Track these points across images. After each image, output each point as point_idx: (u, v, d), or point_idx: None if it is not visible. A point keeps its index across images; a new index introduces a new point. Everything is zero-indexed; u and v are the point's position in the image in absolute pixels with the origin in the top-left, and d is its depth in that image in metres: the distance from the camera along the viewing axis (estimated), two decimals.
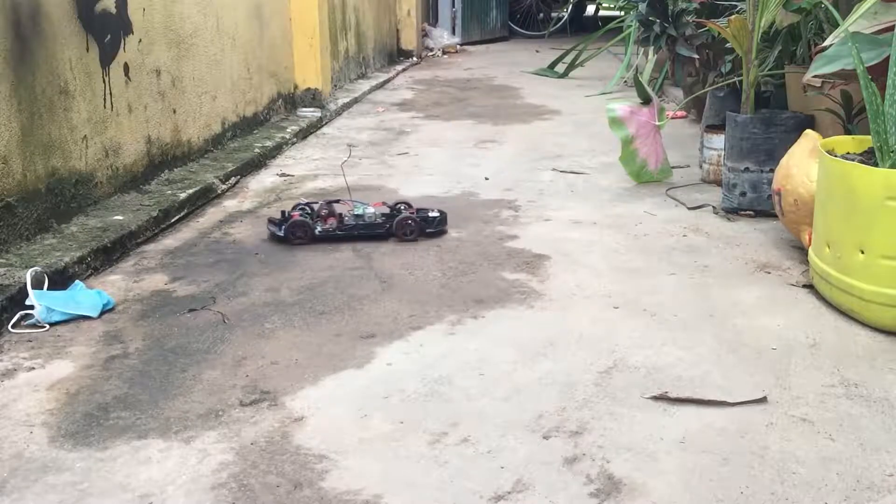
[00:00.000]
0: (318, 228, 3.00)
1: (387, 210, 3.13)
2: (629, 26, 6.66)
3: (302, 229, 2.98)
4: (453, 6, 10.06)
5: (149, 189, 3.47)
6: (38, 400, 1.92)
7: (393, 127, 5.34)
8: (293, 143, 4.76)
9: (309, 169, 4.20)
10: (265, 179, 4.00)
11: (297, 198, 3.65)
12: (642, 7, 4.04)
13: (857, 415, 1.82)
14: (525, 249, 2.93)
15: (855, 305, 2.26)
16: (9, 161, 2.68)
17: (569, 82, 7.24)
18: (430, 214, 3.10)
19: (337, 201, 3.19)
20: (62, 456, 1.70)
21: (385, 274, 2.71)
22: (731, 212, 3.28)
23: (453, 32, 10.03)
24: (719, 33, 3.45)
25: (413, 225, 3.01)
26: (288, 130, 4.84)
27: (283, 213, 3.12)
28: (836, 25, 2.89)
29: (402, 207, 3.13)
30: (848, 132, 2.91)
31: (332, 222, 3.03)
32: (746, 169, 3.22)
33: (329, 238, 2.99)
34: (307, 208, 3.11)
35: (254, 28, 4.75)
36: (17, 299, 2.34)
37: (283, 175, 4.07)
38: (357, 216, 3.05)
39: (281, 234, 2.98)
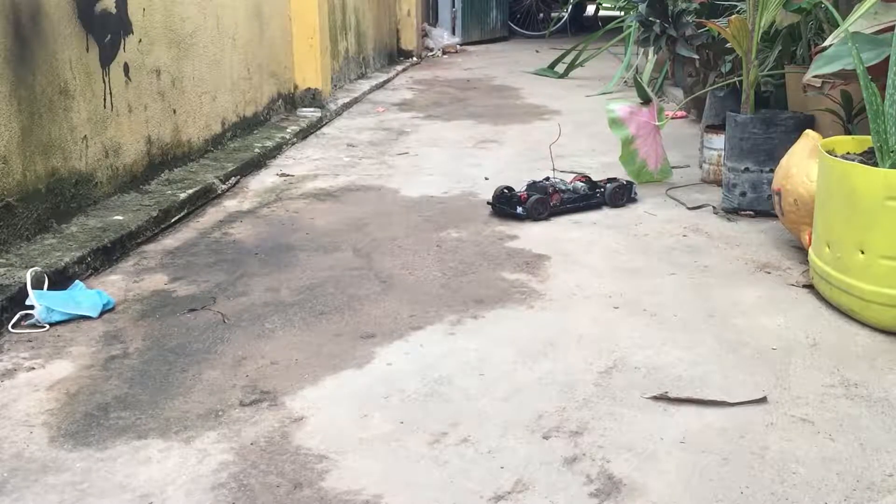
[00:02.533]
0: (551, 203, 3.33)
1: (583, 184, 3.49)
2: (629, 26, 6.66)
3: (543, 205, 3.29)
4: (453, 6, 10.06)
5: (149, 189, 3.47)
6: (38, 400, 1.92)
7: (393, 127, 5.34)
8: (293, 143, 4.76)
9: (309, 169, 4.20)
10: (265, 179, 4.00)
11: (297, 198, 3.65)
12: (642, 7, 4.04)
13: (857, 415, 1.82)
14: (525, 249, 2.93)
15: (855, 305, 2.26)
16: (9, 161, 2.68)
17: (569, 82, 7.24)
18: (625, 182, 3.50)
19: (546, 179, 3.50)
20: (62, 456, 1.70)
21: (385, 274, 2.71)
22: (732, 212, 3.28)
23: (453, 32, 10.03)
24: (719, 33, 3.45)
25: (623, 192, 3.44)
26: (288, 130, 4.84)
27: (502, 194, 3.35)
28: (836, 25, 2.89)
29: (586, 180, 3.52)
30: (848, 132, 2.91)
31: (557, 198, 3.34)
32: (746, 169, 3.22)
33: (560, 212, 3.33)
34: (506, 191, 3.36)
35: (254, 28, 4.75)
36: (18, 299, 2.34)
37: (283, 175, 4.07)
38: (572, 191, 3.41)
39: (522, 213, 3.26)
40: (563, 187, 3.41)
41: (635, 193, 3.50)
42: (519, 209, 3.27)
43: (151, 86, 3.59)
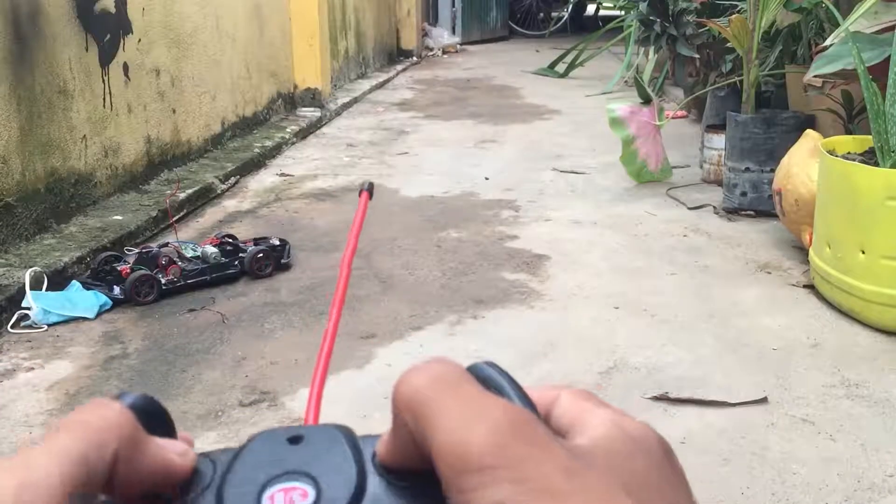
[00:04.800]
0: (163, 280, 2.53)
1: (216, 249, 2.69)
2: (629, 26, 6.65)
3: (149, 284, 2.48)
4: (453, 6, 10.06)
5: (148, 189, 3.47)
6: (37, 400, 1.92)
7: (393, 127, 5.33)
8: (293, 143, 4.76)
9: (309, 169, 4.20)
10: (265, 179, 4.00)
11: (297, 198, 3.64)
12: (643, 7, 4.03)
13: (858, 415, 1.81)
14: (525, 249, 2.92)
15: (856, 305, 2.26)
16: (8, 161, 2.67)
17: (569, 82, 7.23)
18: (277, 243, 2.80)
19: (166, 245, 2.73)
20: None
21: (385, 274, 2.70)
22: (732, 212, 3.28)
23: (453, 32, 10.03)
24: (720, 33, 3.45)
25: (269, 258, 2.68)
26: (288, 130, 4.84)
27: (95, 269, 2.57)
28: (837, 25, 2.88)
29: (230, 240, 2.79)
30: (849, 132, 2.91)
31: (174, 270, 2.56)
32: (747, 169, 3.22)
33: (181, 289, 2.55)
34: (111, 259, 2.61)
35: (253, 28, 4.75)
36: (17, 299, 2.34)
37: (282, 175, 4.06)
38: (201, 260, 2.64)
39: (120, 295, 2.46)
40: (191, 254, 2.65)
41: (289, 256, 2.78)
42: (116, 289, 2.46)
43: (151, 86, 3.59)
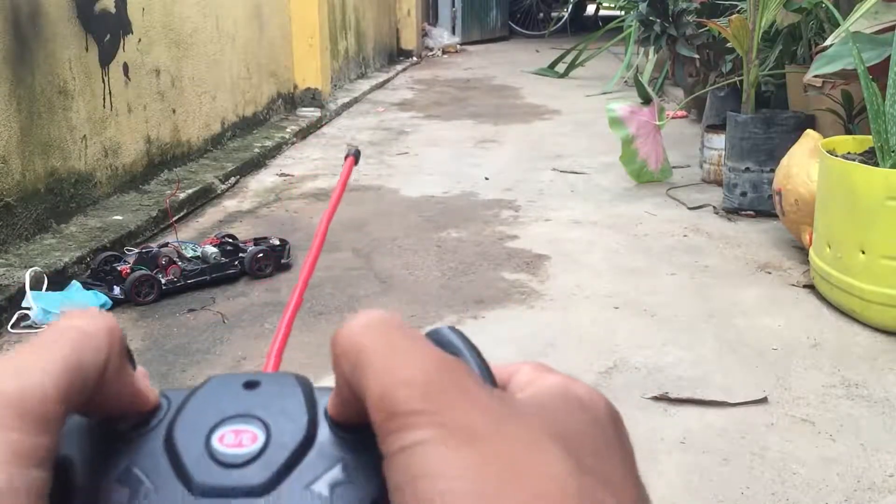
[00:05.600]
0: (163, 280, 2.53)
1: (216, 249, 2.69)
2: (629, 26, 6.65)
3: (150, 284, 2.49)
4: (453, 6, 10.05)
5: (148, 189, 3.47)
6: None
7: (393, 127, 5.33)
8: (293, 143, 4.76)
9: (309, 169, 4.20)
10: (265, 179, 4.00)
11: (297, 198, 3.64)
12: (643, 7, 4.03)
13: (858, 415, 1.81)
14: (525, 249, 2.92)
15: (856, 306, 2.26)
16: (8, 161, 2.67)
17: (569, 82, 7.23)
18: (276, 244, 2.79)
19: (166, 245, 2.74)
20: None
21: (385, 274, 2.70)
22: (732, 212, 3.28)
23: (453, 32, 10.03)
24: (720, 33, 3.45)
25: (269, 259, 2.68)
26: (288, 130, 4.84)
27: (95, 269, 2.57)
28: (837, 25, 2.88)
29: (230, 240, 2.78)
30: (849, 132, 2.91)
31: (175, 270, 2.56)
32: (747, 169, 3.22)
33: (181, 289, 2.55)
34: (111, 259, 2.62)
35: (253, 27, 4.75)
36: (17, 299, 2.34)
37: (282, 175, 4.06)
38: (200, 260, 2.64)
39: (120, 295, 2.46)
40: (191, 254, 2.66)
41: (289, 256, 2.78)
42: (116, 289, 2.47)
43: (151, 86, 3.59)
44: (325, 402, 0.27)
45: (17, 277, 2.42)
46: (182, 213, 3.32)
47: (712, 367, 2.04)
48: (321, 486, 0.24)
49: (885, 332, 2.20)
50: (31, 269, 2.42)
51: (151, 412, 0.27)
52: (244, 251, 2.70)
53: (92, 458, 0.25)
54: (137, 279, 2.46)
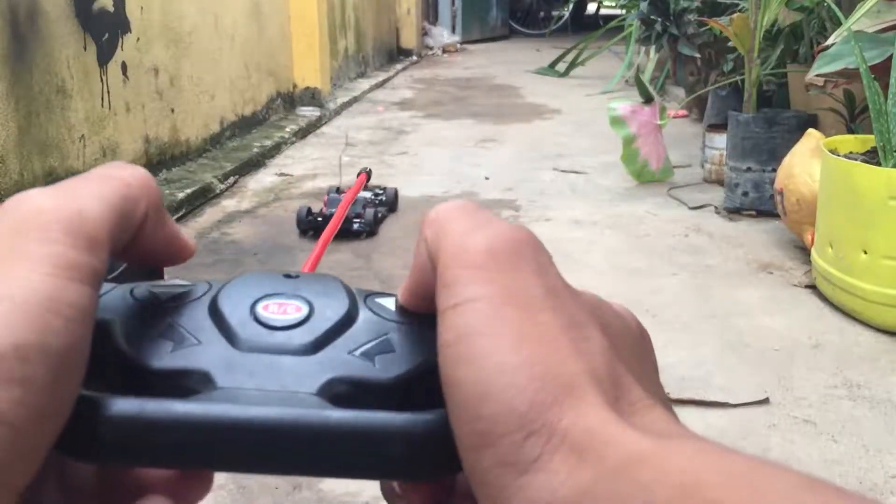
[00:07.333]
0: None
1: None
2: (630, 25, 6.64)
3: (377, 219, 2.98)
4: (453, 4, 10.05)
5: None
6: None
7: (392, 126, 5.32)
8: (292, 143, 4.75)
9: (308, 168, 4.19)
10: (264, 179, 3.98)
11: (297, 198, 3.63)
12: (643, 6, 4.02)
13: (860, 416, 1.80)
14: None
15: (858, 306, 2.25)
16: (6, 160, 2.66)
17: (570, 81, 7.22)
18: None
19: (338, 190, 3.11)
20: None
21: (385, 274, 2.69)
22: (734, 212, 3.27)
23: (453, 31, 10.02)
24: (721, 32, 3.44)
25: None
26: (287, 130, 4.83)
27: (309, 213, 2.87)
28: (839, 24, 2.87)
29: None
30: (851, 131, 2.90)
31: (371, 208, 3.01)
32: (748, 168, 3.21)
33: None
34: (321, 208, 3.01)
35: (252, 27, 4.74)
36: None
37: (282, 175, 4.05)
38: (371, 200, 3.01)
39: (361, 228, 2.84)
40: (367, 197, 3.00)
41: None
42: (356, 224, 2.81)
43: (149, 85, 3.58)
44: (363, 296, 0.28)
45: None
46: (181, 213, 3.31)
47: (713, 367, 2.03)
48: (364, 352, 0.26)
49: (887, 332, 2.19)
50: None
51: (191, 290, 0.28)
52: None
53: (133, 323, 0.26)
54: (374, 213, 2.76)
